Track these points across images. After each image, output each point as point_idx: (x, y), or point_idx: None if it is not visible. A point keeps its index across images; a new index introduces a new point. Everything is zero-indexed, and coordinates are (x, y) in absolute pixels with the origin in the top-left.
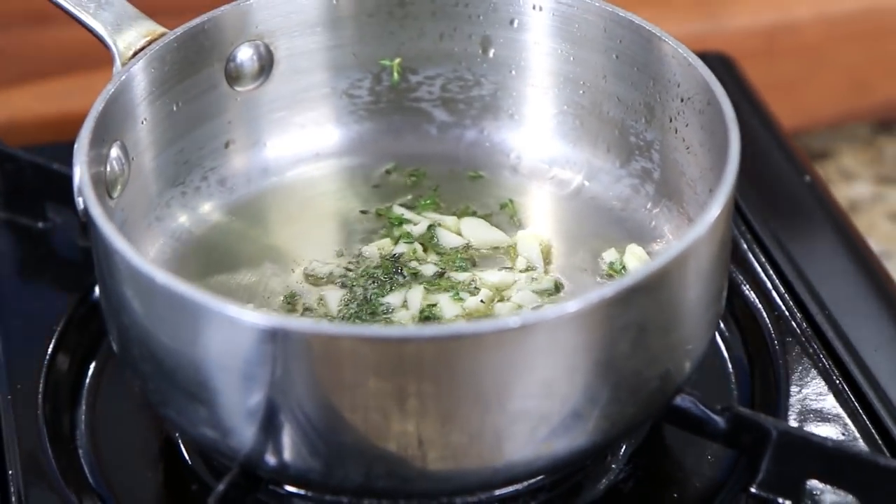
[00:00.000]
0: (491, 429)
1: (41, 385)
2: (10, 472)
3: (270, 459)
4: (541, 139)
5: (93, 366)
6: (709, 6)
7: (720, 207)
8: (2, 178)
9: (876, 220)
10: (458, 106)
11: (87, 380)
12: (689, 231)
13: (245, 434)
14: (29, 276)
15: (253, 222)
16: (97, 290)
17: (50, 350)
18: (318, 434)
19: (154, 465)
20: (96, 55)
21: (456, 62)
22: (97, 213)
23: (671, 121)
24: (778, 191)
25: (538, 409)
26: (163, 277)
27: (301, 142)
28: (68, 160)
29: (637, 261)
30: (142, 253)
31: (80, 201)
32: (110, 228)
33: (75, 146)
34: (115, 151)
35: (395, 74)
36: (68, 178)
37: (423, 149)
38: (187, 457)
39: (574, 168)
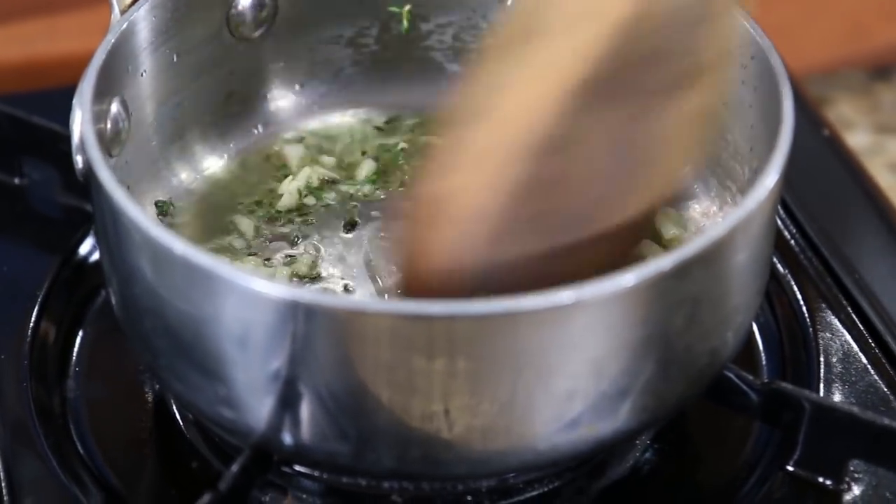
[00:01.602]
0: (535, 410)
1: (27, 355)
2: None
3: (289, 440)
4: None
5: (81, 334)
6: None
7: (778, 170)
8: None
9: (876, 171)
10: (472, 56)
11: (76, 349)
12: (747, 199)
13: (264, 414)
14: (6, 236)
15: (254, 176)
16: (82, 250)
17: (34, 317)
18: (346, 415)
19: (150, 440)
20: None
21: (470, 9)
22: (105, 176)
23: None
24: (797, 147)
25: (584, 389)
26: (181, 247)
27: (304, 93)
28: (46, 112)
29: (673, 225)
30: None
31: (79, 160)
32: (122, 194)
33: (75, 101)
34: (115, 107)
35: (405, 22)
36: (47, 131)
37: (432, 101)
38: (186, 431)
39: None
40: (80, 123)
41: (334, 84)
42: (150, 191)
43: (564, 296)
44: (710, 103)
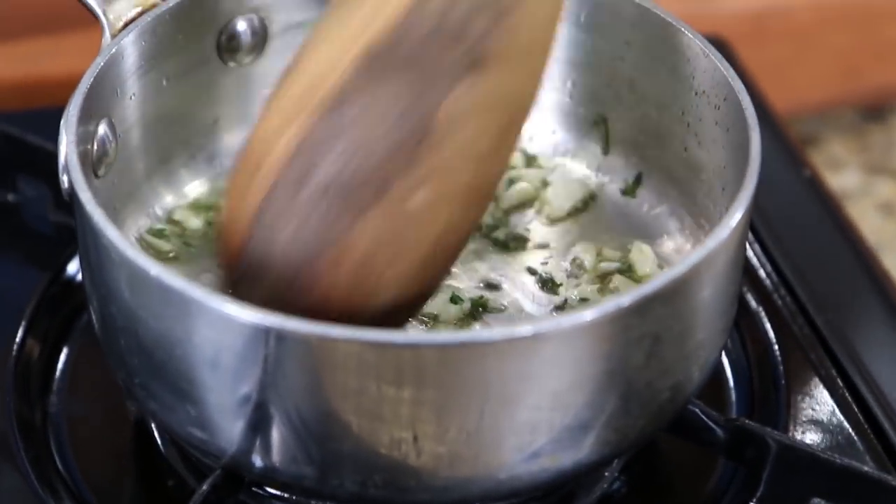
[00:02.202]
0: (496, 440)
1: (11, 370)
2: None
3: (259, 463)
4: (545, 128)
5: (65, 350)
6: None
7: (742, 210)
8: None
9: (865, 212)
10: None
11: (60, 365)
12: (710, 236)
13: (234, 436)
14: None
15: None
16: (70, 268)
17: (20, 333)
18: (313, 439)
19: (129, 457)
20: (67, 16)
21: None
22: (86, 197)
23: (683, 114)
24: (777, 187)
25: (546, 421)
26: (156, 269)
27: None
28: (41, 130)
29: (645, 260)
30: (125, 235)
31: (64, 180)
32: (101, 215)
33: (62, 123)
34: (102, 128)
35: None
36: (41, 150)
37: None
38: (164, 450)
39: (580, 159)
40: (65, 144)
41: None
42: (137, 211)
43: (524, 329)
44: (501, 97)
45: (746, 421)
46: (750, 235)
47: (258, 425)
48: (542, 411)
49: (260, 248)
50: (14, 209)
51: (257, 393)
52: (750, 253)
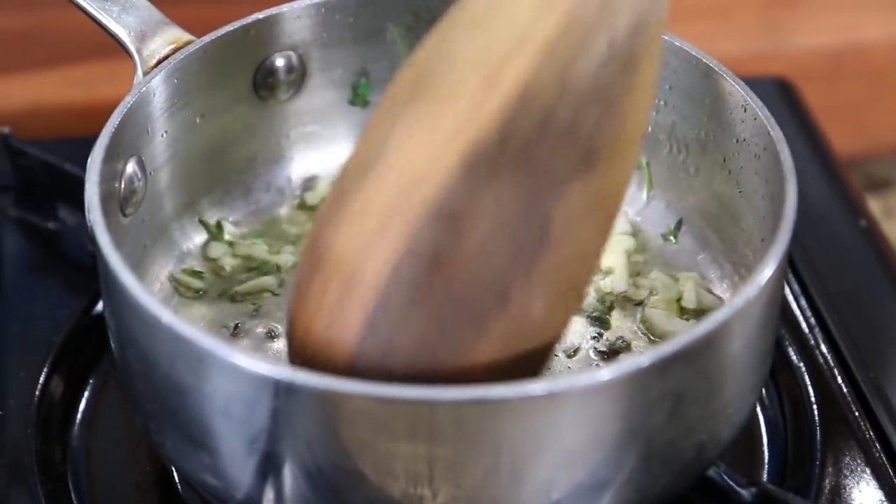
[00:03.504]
0: (510, 496)
1: (35, 403)
2: None
3: None
4: None
5: (91, 383)
6: (773, 24)
7: (772, 268)
8: (14, 173)
9: None
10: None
11: (84, 399)
12: (737, 295)
13: (246, 484)
14: (35, 278)
15: (275, 243)
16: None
17: (47, 364)
18: (323, 491)
19: (146, 495)
20: None
21: None
22: (104, 240)
23: (724, 161)
24: (830, 236)
25: (562, 479)
26: (168, 317)
27: (330, 157)
28: (83, 158)
29: (693, 288)
30: (154, 275)
31: (89, 219)
32: (117, 259)
33: (88, 162)
34: (131, 167)
35: None
36: (80, 179)
37: None
38: (181, 490)
39: None
40: (88, 185)
41: None
42: (168, 249)
43: (537, 387)
44: (609, 192)
45: (770, 486)
46: (795, 286)
47: (270, 475)
48: (558, 469)
49: (372, 361)
50: (54, 237)
51: (268, 443)
52: (794, 304)
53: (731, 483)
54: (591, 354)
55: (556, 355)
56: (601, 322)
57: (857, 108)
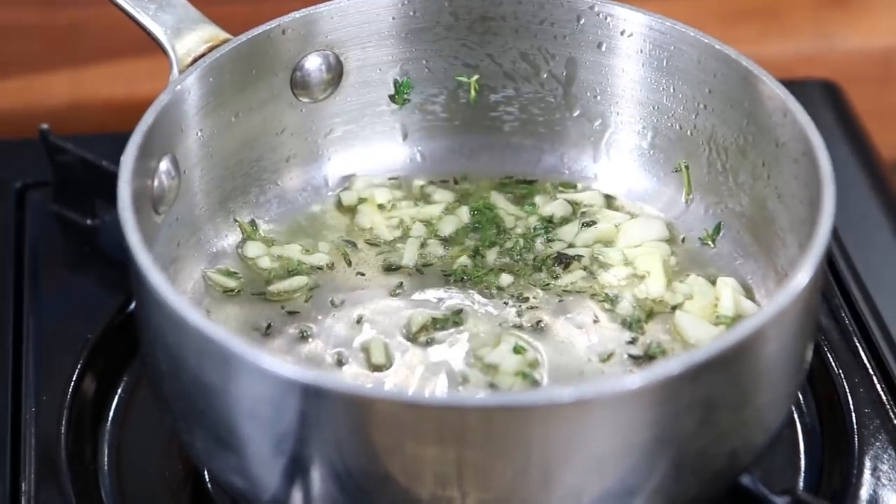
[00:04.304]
0: (538, 501)
1: (67, 399)
2: (24, 488)
3: None
4: (623, 170)
5: (124, 381)
6: (823, 25)
7: (808, 274)
8: (53, 169)
9: None
10: (538, 129)
11: (116, 396)
12: (771, 302)
13: (273, 486)
14: (71, 275)
15: (311, 243)
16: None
17: (81, 362)
18: (350, 495)
19: (176, 495)
20: None
21: (538, 83)
22: (134, 239)
23: (763, 165)
24: (873, 241)
25: (592, 486)
26: (196, 318)
27: (367, 157)
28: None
29: (730, 294)
30: (187, 274)
31: (122, 217)
32: (146, 258)
33: (121, 160)
34: (164, 165)
35: (473, 91)
36: (115, 176)
37: (495, 170)
38: (211, 490)
39: (657, 204)
40: (121, 184)
41: (400, 149)
42: (202, 247)
43: (565, 394)
44: None
45: (804, 494)
46: (836, 291)
47: (297, 477)
48: (587, 475)
49: None
50: (92, 233)
51: (296, 446)
52: (834, 310)
53: (764, 491)
54: (626, 359)
55: (590, 359)
56: (636, 326)
57: None
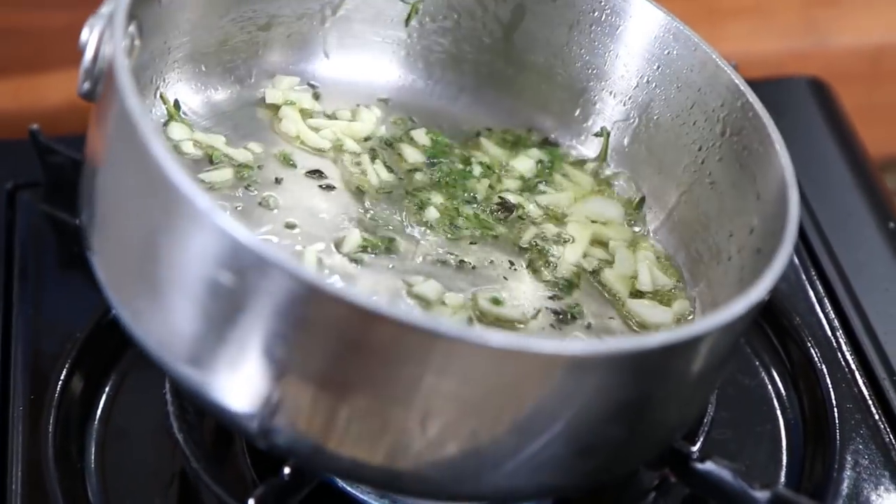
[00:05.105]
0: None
1: (55, 398)
2: (11, 487)
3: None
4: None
5: (111, 380)
6: (813, 23)
7: (744, 307)
8: (43, 170)
9: None
10: (462, 66)
11: (104, 395)
12: (703, 320)
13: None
14: (61, 274)
15: (237, 135)
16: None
17: (69, 362)
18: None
19: (163, 493)
20: None
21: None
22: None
23: (700, 150)
24: (857, 238)
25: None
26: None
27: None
28: None
29: (646, 270)
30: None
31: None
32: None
33: (105, 14)
34: (132, 28)
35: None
36: None
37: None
38: (196, 485)
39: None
40: (114, 38)
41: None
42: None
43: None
44: None
45: (784, 490)
46: (820, 287)
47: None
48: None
49: None
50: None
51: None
52: (817, 306)
53: (744, 486)
54: (548, 314)
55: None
56: (563, 287)
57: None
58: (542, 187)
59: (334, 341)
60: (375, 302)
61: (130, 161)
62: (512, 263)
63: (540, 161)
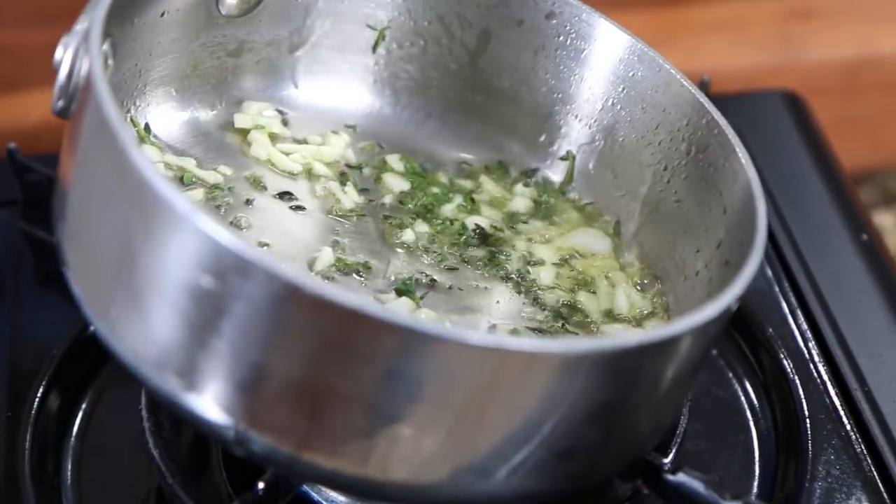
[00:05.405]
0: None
1: (32, 415)
2: None
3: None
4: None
5: (88, 396)
6: (788, 37)
7: (709, 314)
8: (21, 188)
9: None
10: (430, 92)
11: (81, 412)
12: (674, 323)
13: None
14: (38, 291)
15: (208, 158)
16: None
17: (46, 379)
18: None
19: None
20: None
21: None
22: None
23: (665, 169)
24: (831, 249)
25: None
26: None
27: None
28: None
29: (622, 293)
30: None
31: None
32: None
33: (81, 29)
34: (106, 46)
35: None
36: None
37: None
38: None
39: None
40: (90, 49)
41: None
42: None
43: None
44: None
45: (755, 501)
46: (793, 299)
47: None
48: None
49: None
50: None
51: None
52: (790, 317)
53: (715, 497)
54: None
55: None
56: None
57: (871, 121)
58: (526, 219)
59: (315, 342)
60: (357, 300)
61: (107, 171)
62: (487, 286)
63: (535, 201)
